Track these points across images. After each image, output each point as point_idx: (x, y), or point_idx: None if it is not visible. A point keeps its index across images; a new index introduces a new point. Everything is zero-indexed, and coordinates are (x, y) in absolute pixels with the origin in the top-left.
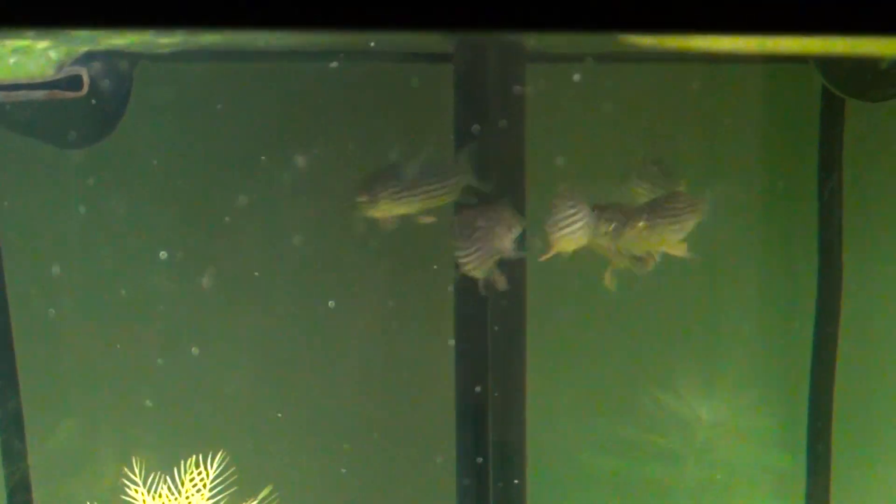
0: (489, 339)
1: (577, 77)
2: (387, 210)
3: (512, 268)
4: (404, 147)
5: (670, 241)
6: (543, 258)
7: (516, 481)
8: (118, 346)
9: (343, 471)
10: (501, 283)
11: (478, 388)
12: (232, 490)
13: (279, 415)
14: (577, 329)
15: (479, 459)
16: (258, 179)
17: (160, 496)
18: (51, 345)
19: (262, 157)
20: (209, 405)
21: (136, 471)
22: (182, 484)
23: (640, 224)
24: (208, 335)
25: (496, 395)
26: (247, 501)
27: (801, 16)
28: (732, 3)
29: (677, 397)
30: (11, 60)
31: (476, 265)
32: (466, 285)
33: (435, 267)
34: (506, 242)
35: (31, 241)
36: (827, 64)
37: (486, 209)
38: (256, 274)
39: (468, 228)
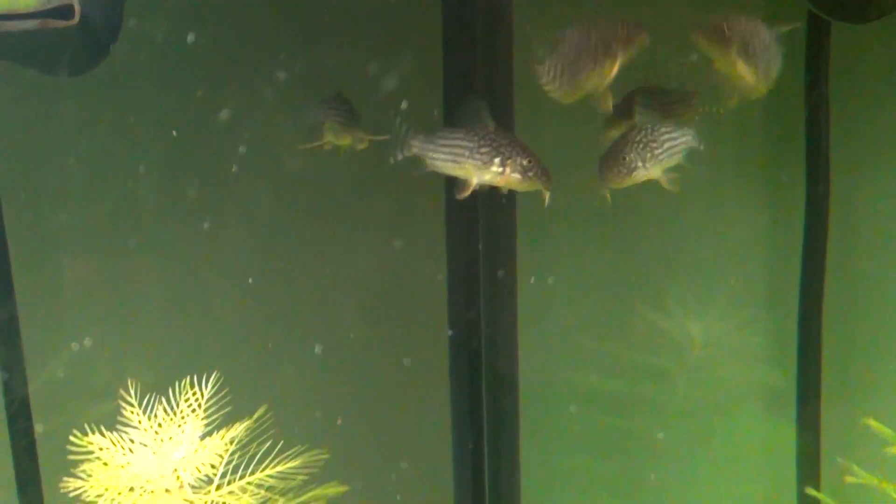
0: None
1: None
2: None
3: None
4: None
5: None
6: None
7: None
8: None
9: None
10: None
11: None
12: (227, 410)
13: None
14: (570, 254)
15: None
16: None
17: (156, 417)
18: (50, 272)
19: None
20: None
21: (133, 394)
22: (178, 405)
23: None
24: (198, 256)
25: (488, 319)
26: (241, 421)
27: None
28: None
29: (670, 318)
30: None
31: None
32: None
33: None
34: None
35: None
36: None
37: None
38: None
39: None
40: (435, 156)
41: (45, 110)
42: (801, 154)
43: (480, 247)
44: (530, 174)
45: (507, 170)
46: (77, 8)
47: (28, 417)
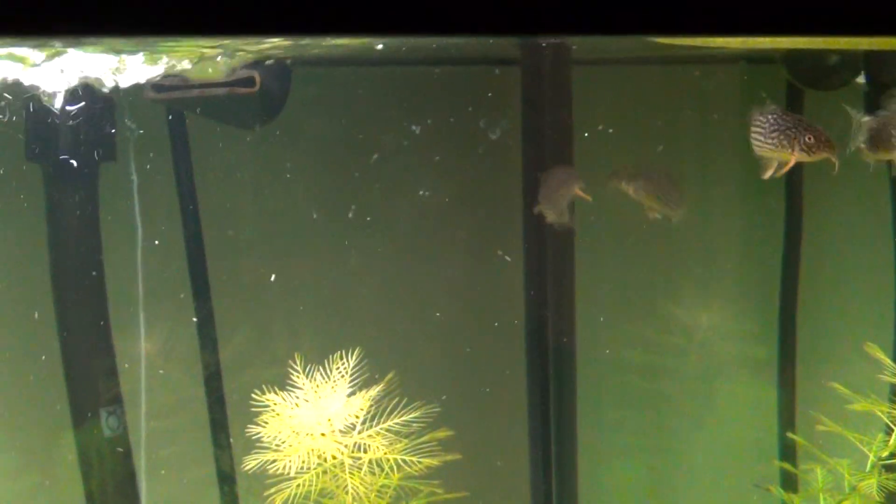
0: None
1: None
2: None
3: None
4: None
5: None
6: None
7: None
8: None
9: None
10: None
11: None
12: (365, 376)
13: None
14: (616, 260)
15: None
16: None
17: (315, 380)
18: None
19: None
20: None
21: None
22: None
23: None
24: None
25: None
26: (376, 385)
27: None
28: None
29: (683, 307)
30: (198, 66)
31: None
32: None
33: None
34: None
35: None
36: (791, 61)
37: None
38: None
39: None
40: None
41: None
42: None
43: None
44: (814, 150)
45: (796, 148)
46: (258, 79)
47: (220, 378)
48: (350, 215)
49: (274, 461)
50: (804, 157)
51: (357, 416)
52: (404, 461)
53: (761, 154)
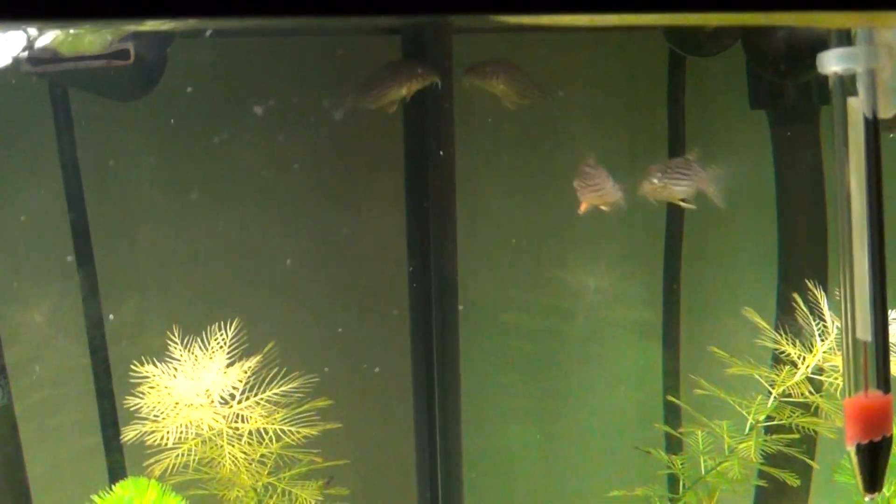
0: None
1: None
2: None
3: None
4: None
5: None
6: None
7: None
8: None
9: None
10: None
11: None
12: (244, 346)
13: None
14: (501, 223)
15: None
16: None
17: (193, 353)
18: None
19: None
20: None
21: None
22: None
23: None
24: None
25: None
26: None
27: None
28: None
29: (573, 272)
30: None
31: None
32: None
33: None
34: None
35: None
36: (669, 29)
37: None
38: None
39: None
40: None
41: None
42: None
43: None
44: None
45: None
46: (132, 51)
47: (105, 348)
48: (227, 185)
49: (153, 432)
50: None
51: (235, 388)
52: (283, 431)
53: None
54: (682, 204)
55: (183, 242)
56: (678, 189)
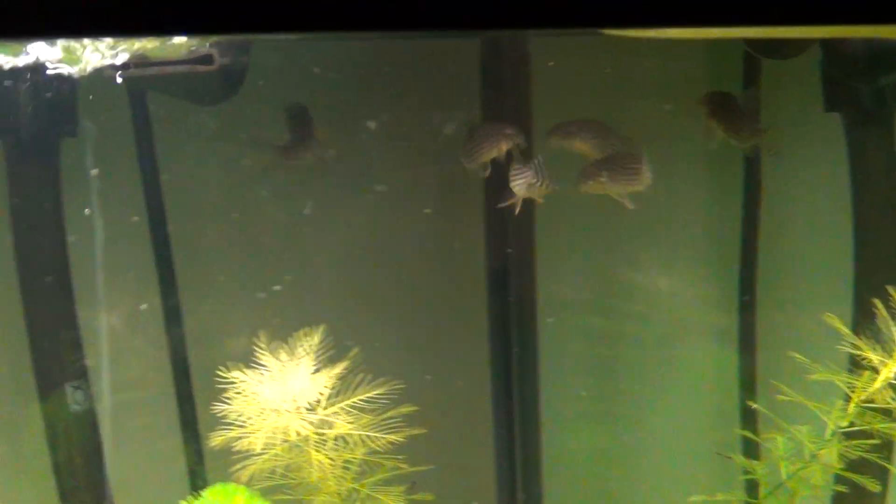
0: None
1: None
2: None
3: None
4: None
5: (620, 192)
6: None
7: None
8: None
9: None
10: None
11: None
12: (332, 352)
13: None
14: (583, 237)
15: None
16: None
17: (280, 358)
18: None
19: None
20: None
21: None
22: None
23: (601, 178)
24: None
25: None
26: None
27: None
28: None
29: (644, 273)
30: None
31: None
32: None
33: None
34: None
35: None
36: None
37: None
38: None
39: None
40: None
41: None
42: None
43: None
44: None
45: None
46: (216, 58)
47: (185, 351)
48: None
49: (240, 438)
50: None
51: (322, 393)
52: (369, 437)
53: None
54: (624, 201)
55: (264, 246)
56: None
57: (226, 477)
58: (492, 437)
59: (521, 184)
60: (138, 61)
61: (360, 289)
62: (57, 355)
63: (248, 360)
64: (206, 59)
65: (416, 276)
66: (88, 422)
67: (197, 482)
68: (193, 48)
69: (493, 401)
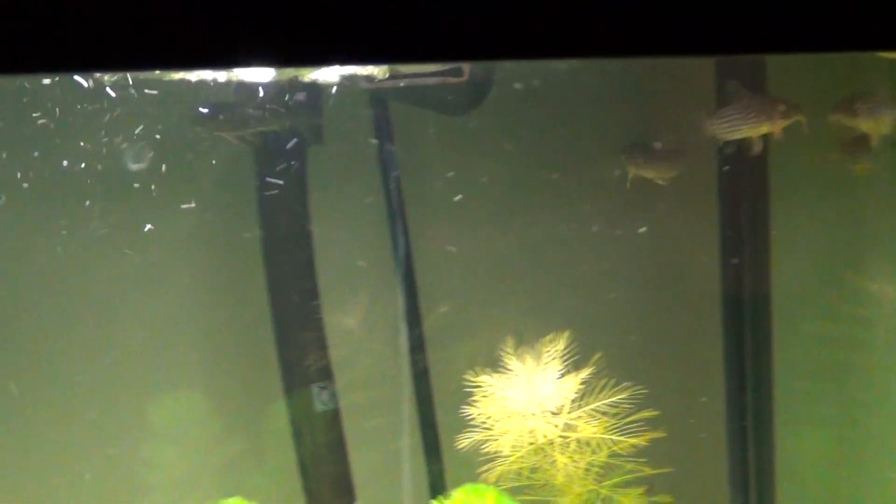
0: None
1: None
2: None
3: None
4: None
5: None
6: None
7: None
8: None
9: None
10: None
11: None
12: (576, 358)
13: None
14: (817, 239)
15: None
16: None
17: (525, 362)
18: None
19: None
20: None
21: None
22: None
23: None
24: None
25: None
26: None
27: None
28: None
29: (872, 278)
30: None
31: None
32: None
33: None
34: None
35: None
36: None
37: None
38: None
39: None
40: None
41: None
42: None
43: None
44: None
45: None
46: (466, 69)
47: (424, 353)
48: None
49: (486, 440)
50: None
51: (566, 398)
52: (610, 440)
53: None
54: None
55: (500, 251)
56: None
57: (460, 477)
58: (725, 439)
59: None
60: (392, 73)
61: (599, 295)
62: (302, 355)
63: (487, 364)
64: (456, 71)
65: (654, 281)
66: (334, 420)
67: (436, 482)
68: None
69: (727, 403)
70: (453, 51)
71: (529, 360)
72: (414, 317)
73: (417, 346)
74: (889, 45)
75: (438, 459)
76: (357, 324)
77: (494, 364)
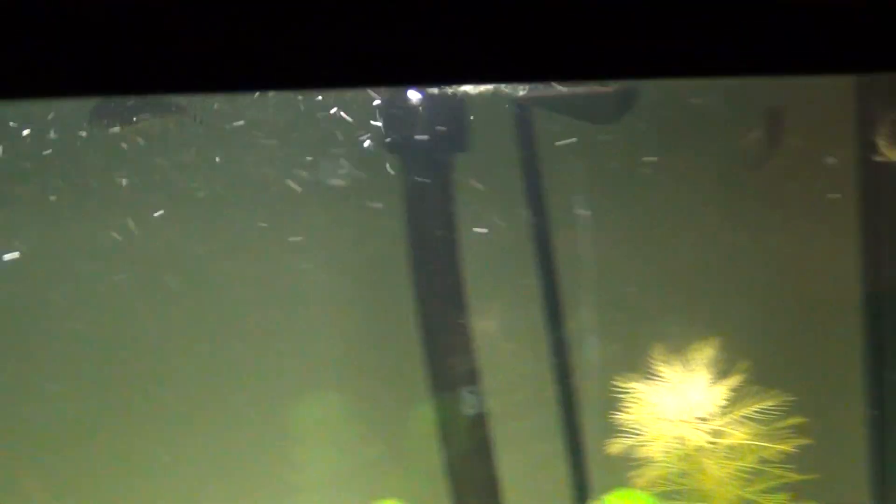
0: None
1: None
2: None
3: None
4: None
5: None
6: None
7: None
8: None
9: None
10: None
11: None
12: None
13: None
14: None
15: None
16: None
17: (674, 369)
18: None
19: None
20: None
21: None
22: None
23: None
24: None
25: None
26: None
27: None
28: None
29: None
30: None
31: None
32: None
33: None
34: None
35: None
36: None
37: None
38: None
39: None
40: None
41: None
42: None
43: None
44: None
45: None
46: None
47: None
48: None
49: (636, 445)
50: None
51: (716, 405)
52: (760, 446)
53: None
54: None
55: (644, 259)
56: None
57: (604, 481)
58: (864, 444)
59: None
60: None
61: (743, 300)
62: (449, 359)
63: (630, 369)
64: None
65: (794, 290)
66: (481, 424)
67: (581, 487)
68: None
69: (867, 407)
70: (608, 69)
71: (679, 366)
72: (557, 321)
73: (562, 351)
74: None
75: (582, 463)
76: (504, 329)
77: (638, 369)
